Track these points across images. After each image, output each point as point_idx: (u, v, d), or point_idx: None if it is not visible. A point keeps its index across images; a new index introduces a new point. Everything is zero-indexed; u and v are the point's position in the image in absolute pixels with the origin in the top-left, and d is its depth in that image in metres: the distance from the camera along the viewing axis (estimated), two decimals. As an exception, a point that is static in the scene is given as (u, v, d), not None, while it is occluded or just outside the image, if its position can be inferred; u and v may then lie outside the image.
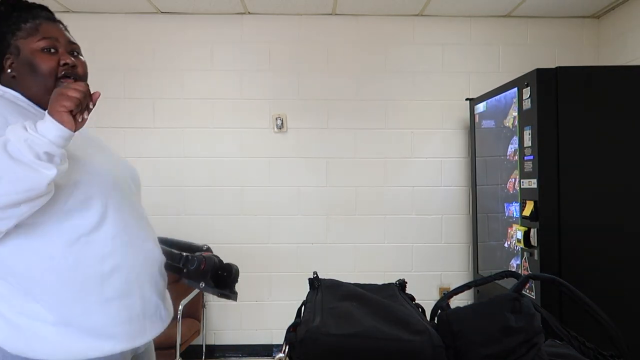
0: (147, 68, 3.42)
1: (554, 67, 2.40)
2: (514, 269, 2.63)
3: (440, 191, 3.52)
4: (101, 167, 1.17)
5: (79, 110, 1.00)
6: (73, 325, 1.07)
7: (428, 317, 1.16)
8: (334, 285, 1.28)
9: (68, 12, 3.37)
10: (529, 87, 2.44)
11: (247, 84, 3.47)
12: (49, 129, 0.96)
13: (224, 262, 1.35)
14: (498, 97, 2.88)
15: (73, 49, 1.21)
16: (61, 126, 0.97)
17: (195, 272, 1.26)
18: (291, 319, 1.07)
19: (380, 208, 3.50)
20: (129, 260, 1.14)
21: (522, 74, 2.55)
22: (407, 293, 1.34)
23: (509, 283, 1.35)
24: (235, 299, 1.35)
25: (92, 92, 1.03)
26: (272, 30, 3.47)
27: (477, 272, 3.32)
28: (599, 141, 2.37)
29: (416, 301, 1.28)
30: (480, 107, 3.18)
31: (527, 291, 2.44)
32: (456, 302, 1.13)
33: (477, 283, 1.27)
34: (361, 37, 3.50)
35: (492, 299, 1.01)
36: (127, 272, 1.13)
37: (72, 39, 1.22)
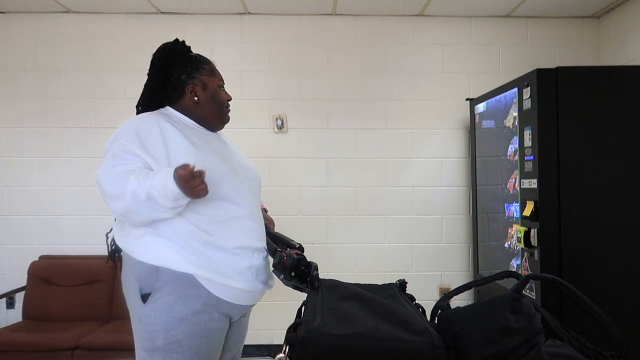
0: (147, 68, 3.40)
1: (554, 67, 2.39)
2: (514, 269, 2.63)
3: (440, 191, 3.51)
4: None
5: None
6: None
7: (428, 317, 1.16)
8: (334, 286, 1.28)
9: (68, 12, 3.35)
10: (529, 87, 2.44)
11: (247, 84, 3.47)
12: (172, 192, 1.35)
13: (306, 259, 1.53)
14: (498, 97, 2.87)
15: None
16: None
17: (278, 265, 1.50)
18: (291, 319, 1.07)
19: (380, 208, 3.50)
20: None
21: (522, 74, 2.55)
22: (407, 293, 1.34)
23: (509, 283, 1.35)
24: (308, 292, 1.46)
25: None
26: (272, 30, 3.47)
27: (477, 272, 3.32)
28: (599, 141, 2.37)
29: (416, 301, 1.28)
30: (480, 107, 3.18)
31: (527, 291, 2.44)
32: (456, 302, 1.14)
33: (477, 283, 1.27)
34: (361, 37, 3.50)
35: (492, 299, 1.01)
36: None
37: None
